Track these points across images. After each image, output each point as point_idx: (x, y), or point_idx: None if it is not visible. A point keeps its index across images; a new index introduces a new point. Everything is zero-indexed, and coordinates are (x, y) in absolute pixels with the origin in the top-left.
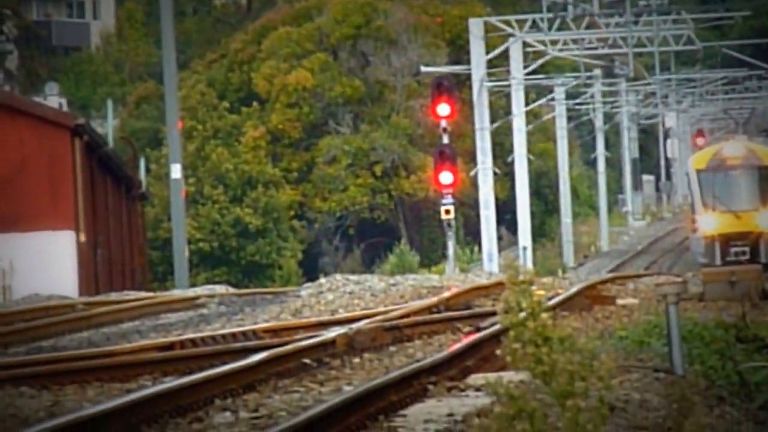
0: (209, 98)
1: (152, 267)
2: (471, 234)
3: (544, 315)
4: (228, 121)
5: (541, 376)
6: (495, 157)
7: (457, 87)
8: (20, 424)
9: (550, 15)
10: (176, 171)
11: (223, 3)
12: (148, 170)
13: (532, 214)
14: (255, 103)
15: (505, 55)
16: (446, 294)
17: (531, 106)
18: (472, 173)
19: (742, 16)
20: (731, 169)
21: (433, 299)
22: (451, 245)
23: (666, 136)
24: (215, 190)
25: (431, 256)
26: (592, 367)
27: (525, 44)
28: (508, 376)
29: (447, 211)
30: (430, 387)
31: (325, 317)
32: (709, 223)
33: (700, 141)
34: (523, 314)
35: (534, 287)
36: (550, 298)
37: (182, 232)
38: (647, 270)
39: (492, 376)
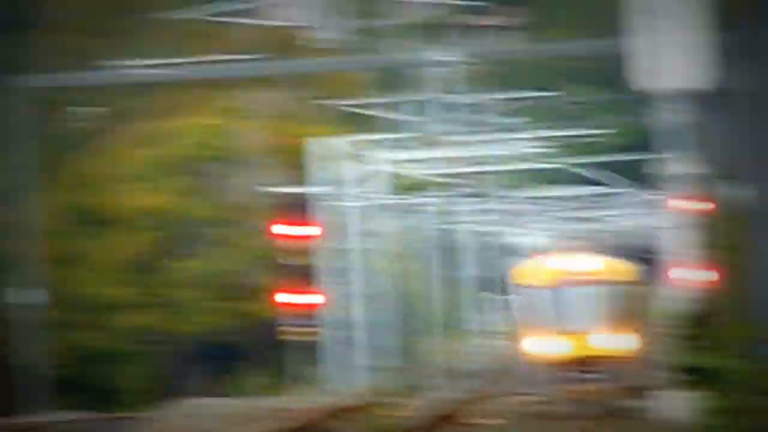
0: (63, 221)
1: (10, 395)
2: (322, 355)
3: None
4: (79, 245)
5: None
6: (346, 277)
7: (306, 206)
8: None
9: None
10: (30, 296)
11: (76, 124)
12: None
13: (388, 335)
14: (110, 226)
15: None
16: (297, 416)
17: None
18: (326, 290)
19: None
20: (575, 284)
21: (285, 422)
22: (301, 368)
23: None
24: (70, 314)
25: (282, 378)
26: None
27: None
28: None
29: (297, 333)
30: None
31: None
32: (544, 345)
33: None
34: None
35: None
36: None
37: (32, 357)
38: None
39: None
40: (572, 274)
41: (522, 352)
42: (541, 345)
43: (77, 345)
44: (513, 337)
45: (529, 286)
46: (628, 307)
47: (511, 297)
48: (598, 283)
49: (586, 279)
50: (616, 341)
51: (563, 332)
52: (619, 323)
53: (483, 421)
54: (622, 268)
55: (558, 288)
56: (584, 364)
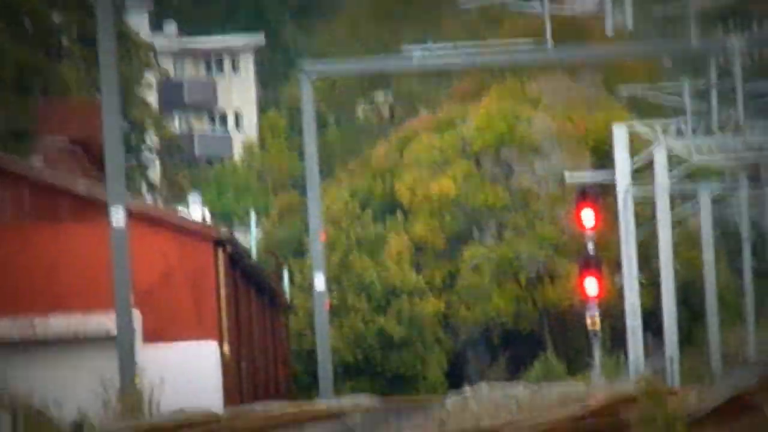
0: (352, 208)
1: (296, 378)
2: (617, 342)
3: (681, 427)
4: (371, 230)
5: None
6: (641, 265)
7: (602, 194)
8: None
9: (695, 120)
10: (320, 282)
11: (365, 112)
12: (291, 281)
13: (679, 323)
14: (398, 212)
15: (648, 162)
16: (592, 403)
17: (677, 214)
18: (616, 281)
19: None
20: None
21: (578, 409)
22: (596, 354)
23: None
24: (359, 300)
25: (577, 365)
26: None
27: (669, 151)
28: None
29: (593, 321)
30: None
31: (470, 426)
32: None
33: None
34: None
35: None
36: (693, 412)
37: (326, 343)
38: None
39: None
40: None
41: None
42: None
43: (368, 331)
44: None
45: None
46: None
47: None
48: None
49: None
50: None
51: None
52: None
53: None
54: None
55: None
56: None
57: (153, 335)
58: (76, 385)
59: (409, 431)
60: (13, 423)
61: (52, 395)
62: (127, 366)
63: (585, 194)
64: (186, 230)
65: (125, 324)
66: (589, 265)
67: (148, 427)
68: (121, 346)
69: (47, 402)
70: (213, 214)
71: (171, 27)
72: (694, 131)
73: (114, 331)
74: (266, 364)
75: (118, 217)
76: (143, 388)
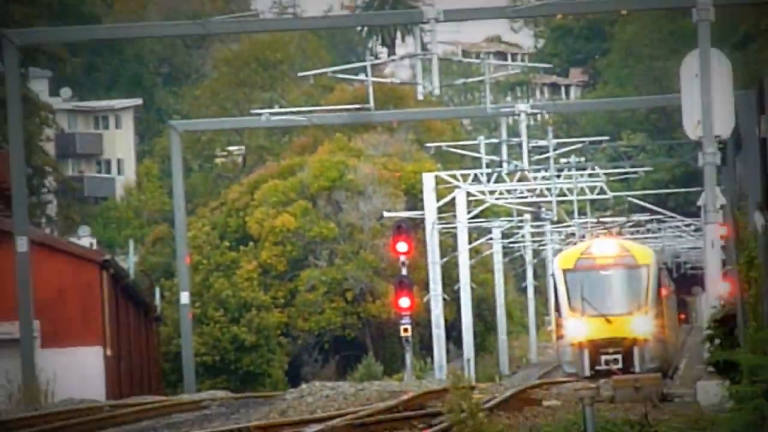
0: (212, 238)
1: (165, 376)
2: (425, 348)
3: (481, 414)
4: (228, 257)
5: None
6: (444, 285)
7: (413, 228)
8: None
9: (489, 170)
10: (185, 297)
11: (222, 161)
12: (162, 297)
13: (474, 332)
14: (250, 243)
15: (452, 202)
16: (404, 397)
17: (473, 245)
18: (425, 299)
19: (644, 171)
20: (602, 268)
21: (394, 401)
22: (408, 357)
23: None
24: (217, 313)
25: (392, 366)
26: None
27: (468, 194)
28: None
29: (405, 330)
30: None
31: (306, 417)
32: (578, 328)
33: None
34: (464, 414)
35: (475, 392)
36: (487, 401)
37: (189, 347)
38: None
39: None
40: (604, 257)
41: (561, 334)
42: (576, 329)
43: (224, 337)
44: (554, 322)
45: (561, 270)
46: (650, 289)
47: (552, 283)
48: (622, 266)
49: (618, 262)
50: (640, 323)
51: (599, 315)
52: (641, 305)
53: (547, 403)
54: (645, 253)
55: (591, 269)
56: (612, 344)
57: (49, 340)
58: None
59: (257, 419)
60: None
61: None
62: (28, 365)
63: (400, 228)
64: (77, 255)
65: (27, 331)
66: (402, 285)
67: (44, 413)
68: (24, 348)
69: None
70: (99, 243)
71: (66, 91)
72: (488, 178)
73: (18, 336)
74: (141, 364)
75: (22, 243)
76: (41, 383)
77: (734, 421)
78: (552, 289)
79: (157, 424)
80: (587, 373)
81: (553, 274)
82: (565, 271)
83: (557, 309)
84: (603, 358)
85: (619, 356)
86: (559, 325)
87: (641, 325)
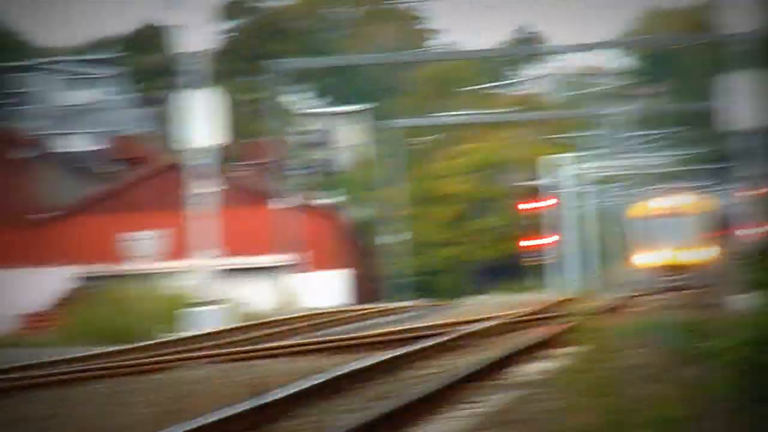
0: (414, 198)
1: (386, 289)
2: (558, 271)
3: (594, 316)
4: (423, 210)
5: (592, 349)
6: (565, 229)
7: (539, 193)
8: (299, 379)
9: (595, 152)
10: (397, 237)
11: (420, 146)
12: (382, 237)
13: (584, 262)
14: (439, 201)
15: (570, 175)
16: (545, 304)
17: (582, 204)
18: (556, 238)
19: (700, 152)
20: (666, 215)
21: (538, 307)
22: (546, 277)
23: None
24: (419, 248)
25: (537, 284)
26: (618, 345)
27: (577, 168)
28: (577, 349)
29: (542, 260)
30: (534, 355)
31: (477, 316)
32: (649, 258)
33: None
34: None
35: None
36: (601, 306)
37: (402, 271)
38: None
39: (568, 349)
40: (666, 209)
41: (635, 264)
42: (647, 258)
43: (426, 263)
44: (630, 255)
45: (637, 218)
46: (705, 230)
47: (627, 228)
48: (680, 213)
49: (675, 211)
50: (696, 254)
51: (660, 248)
52: (699, 241)
53: (634, 309)
54: (701, 203)
55: (653, 217)
56: (674, 269)
57: (310, 266)
58: (266, 292)
59: (442, 318)
60: (230, 311)
61: (246, 298)
62: (293, 282)
63: (533, 192)
64: (328, 209)
65: (292, 259)
66: (532, 230)
67: (304, 315)
68: (290, 271)
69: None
70: (340, 201)
71: (315, 99)
72: (593, 158)
73: (287, 263)
74: (370, 282)
75: (288, 201)
76: (295, 294)
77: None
78: (630, 230)
79: (380, 321)
80: (658, 289)
81: (630, 220)
82: (637, 217)
83: (636, 245)
84: (668, 278)
85: (680, 277)
86: (632, 256)
87: (695, 255)
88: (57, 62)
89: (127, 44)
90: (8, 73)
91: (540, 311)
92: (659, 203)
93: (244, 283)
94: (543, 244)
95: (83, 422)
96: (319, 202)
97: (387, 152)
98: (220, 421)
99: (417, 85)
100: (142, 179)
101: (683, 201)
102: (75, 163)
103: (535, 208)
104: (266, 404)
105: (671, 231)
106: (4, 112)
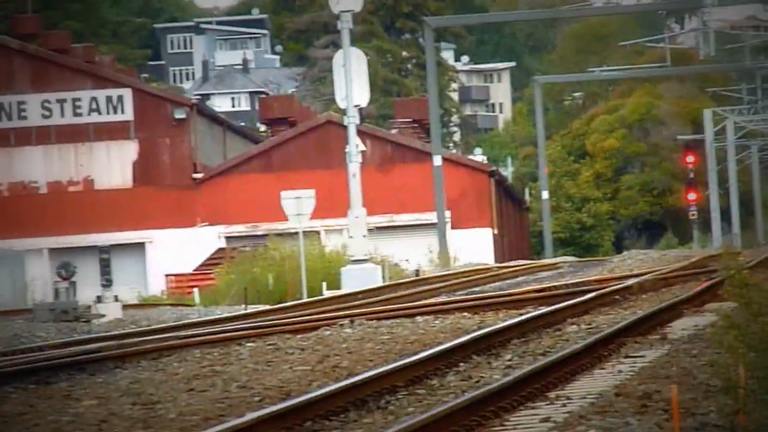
0: (562, 154)
1: (532, 247)
2: (706, 226)
3: (744, 271)
4: (573, 167)
5: (743, 305)
6: (719, 184)
7: (697, 146)
8: (463, 333)
9: (749, 106)
10: (545, 195)
11: (569, 103)
12: (530, 194)
13: (740, 215)
14: (587, 157)
15: (723, 129)
16: (693, 259)
17: (738, 156)
18: (706, 193)
19: None
20: None
21: (686, 262)
22: (695, 233)
23: None
24: (567, 204)
25: (684, 239)
26: None
27: (735, 123)
28: (727, 305)
29: (692, 215)
30: (685, 310)
31: (626, 273)
32: None
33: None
34: (733, 271)
35: (740, 257)
36: (749, 261)
37: (548, 227)
38: None
39: (718, 305)
40: None
41: None
42: None
43: (571, 220)
44: None
45: None
46: None
47: None
48: None
49: None
50: None
51: None
52: None
53: None
54: None
55: None
56: None
57: (456, 224)
58: (416, 250)
59: (593, 275)
60: (382, 269)
61: (402, 256)
62: (443, 240)
63: (688, 146)
64: (473, 167)
65: (441, 217)
66: (691, 184)
67: (455, 272)
68: (439, 229)
69: (399, 259)
70: (488, 159)
71: (465, 58)
72: (748, 111)
73: (435, 221)
74: (516, 239)
75: (437, 159)
76: (451, 253)
77: None
78: None
79: (528, 279)
80: None
81: None
82: None
83: None
84: None
85: None
86: None
87: None
88: (210, 22)
89: (277, 4)
90: (169, 33)
91: (693, 265)
92: None
93: (399, 240)
94: (698, 199)
95: (229, 382)
96: (470, 158)
97: (537, 109)
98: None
99: (567, 42)
100: (294, 138)
101: None
102: (229, 123)
103: (690, 162)
104: (420, 360)
105: None
106: (165, 72)
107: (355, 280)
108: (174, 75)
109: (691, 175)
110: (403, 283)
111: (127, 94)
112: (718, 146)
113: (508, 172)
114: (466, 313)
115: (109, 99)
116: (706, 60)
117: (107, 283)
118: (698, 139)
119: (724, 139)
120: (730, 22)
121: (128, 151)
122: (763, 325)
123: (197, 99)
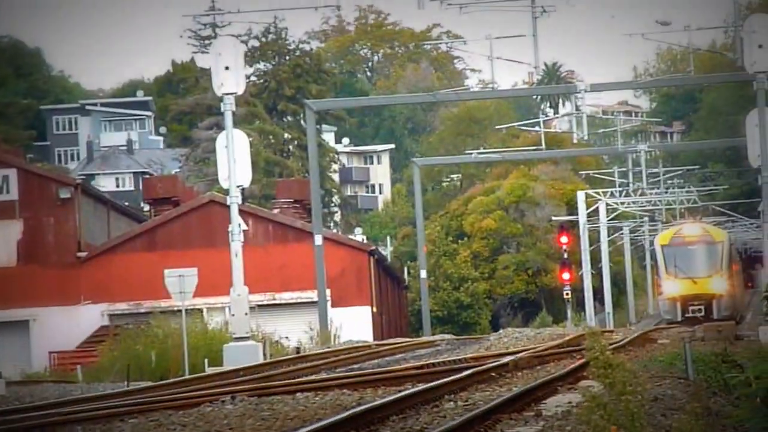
0: (441, 235)
1: (410, 325)
2: (579, 305)
3: (608, 352)
4: (451, 247)
5: (608, 384)
6: (592, 264)
7: (571, 228)
8: (343, 410)
9: (620, 189)
10: (423, 273)
11: (447, 184)
12: (408, 273)
13: (612, 295)
14: (465, 237)
15: (596, 210)
16: (566, 338)
17: (610, 238)
18: (579, 273)
19: (723, 188)
20: (689, 244)
21: (560, 341)
22: (569, 312)
23: None
24: (444, 284)
25: (558, 318)
26: (637, 379)
27: (607, 204)
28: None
29: (566, 294)
30: (559, 387)
31: (503, 350)
32: (672, 287)
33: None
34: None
35: (613, 334)
36: (620, 341)
37: (426, 306)
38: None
39: (591, 382)
40: (691, 237)
41: (660, 292)
42: (672, 287)
43: (449, 299)
44: (655, 284)
45: (660, 245)
46: (724, 259)
47: (654, 257)
48: (703, 242)
49: (701, 239)
50: (717, 283)
51: (687, 278)
52: (718, 270)
53: (660, 341)
54: (720, 233)
55: (681, 245)
56: (697, 299)
57: (337, 302)
58: (297, 328)
59: (471, 352)
60: (263, 347)
61: (283, 334)
62: (324, 318)
63: (562, 227)
64: (353, 246)
65: (322, 296)
66: (565, 264)
67: (334, 350)
68: (320, 307)
69: (280, 337)
70: (367, 238)
71: (345, 140)
72: (620, 194)
73: (316, 299)
74: (395, 317)
75: (318, 239)
76: (331, 330)
77: None
78: (653, 259)
79: (406, 356)
80: (679, 319)
81: (653, 249)
82: (662, 246)
83: (657, 273)
84: (690, 308)
85: (702, 307)
86: (658, 285)
87: (718, 285)
88: (96, 104)
89: (161, 86)
90: (54, 114)
91: (567, 344)
92: (687, 230)
93: (281, 318)
94: (572, 278)
95: None
96: (350, 237)
97: (416, 190)
98: None
99: (446, 125)
100: (177, 217)
101: (709, 229)
102: (113, 203)
103: (564, 243)
104: None
105: (699, 259)
106: (51, 152)
107: (236, 357)
108: (59, 155)
109: (565, 255)
110: (284, 360)
111: (12, 174)
112: (591, 227)
113: (387, 251)
114: (345, 390)
115: None
116: (579, 143)
117: None
118: (572, 220)
119: (597, 221)
120: (602, 107)
121: (13, 230)
122: (627, 403)
123: (82, 179)
